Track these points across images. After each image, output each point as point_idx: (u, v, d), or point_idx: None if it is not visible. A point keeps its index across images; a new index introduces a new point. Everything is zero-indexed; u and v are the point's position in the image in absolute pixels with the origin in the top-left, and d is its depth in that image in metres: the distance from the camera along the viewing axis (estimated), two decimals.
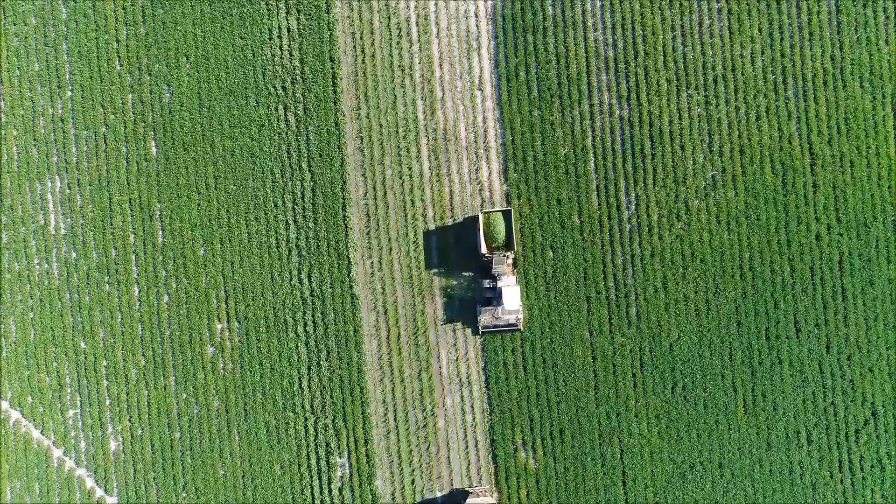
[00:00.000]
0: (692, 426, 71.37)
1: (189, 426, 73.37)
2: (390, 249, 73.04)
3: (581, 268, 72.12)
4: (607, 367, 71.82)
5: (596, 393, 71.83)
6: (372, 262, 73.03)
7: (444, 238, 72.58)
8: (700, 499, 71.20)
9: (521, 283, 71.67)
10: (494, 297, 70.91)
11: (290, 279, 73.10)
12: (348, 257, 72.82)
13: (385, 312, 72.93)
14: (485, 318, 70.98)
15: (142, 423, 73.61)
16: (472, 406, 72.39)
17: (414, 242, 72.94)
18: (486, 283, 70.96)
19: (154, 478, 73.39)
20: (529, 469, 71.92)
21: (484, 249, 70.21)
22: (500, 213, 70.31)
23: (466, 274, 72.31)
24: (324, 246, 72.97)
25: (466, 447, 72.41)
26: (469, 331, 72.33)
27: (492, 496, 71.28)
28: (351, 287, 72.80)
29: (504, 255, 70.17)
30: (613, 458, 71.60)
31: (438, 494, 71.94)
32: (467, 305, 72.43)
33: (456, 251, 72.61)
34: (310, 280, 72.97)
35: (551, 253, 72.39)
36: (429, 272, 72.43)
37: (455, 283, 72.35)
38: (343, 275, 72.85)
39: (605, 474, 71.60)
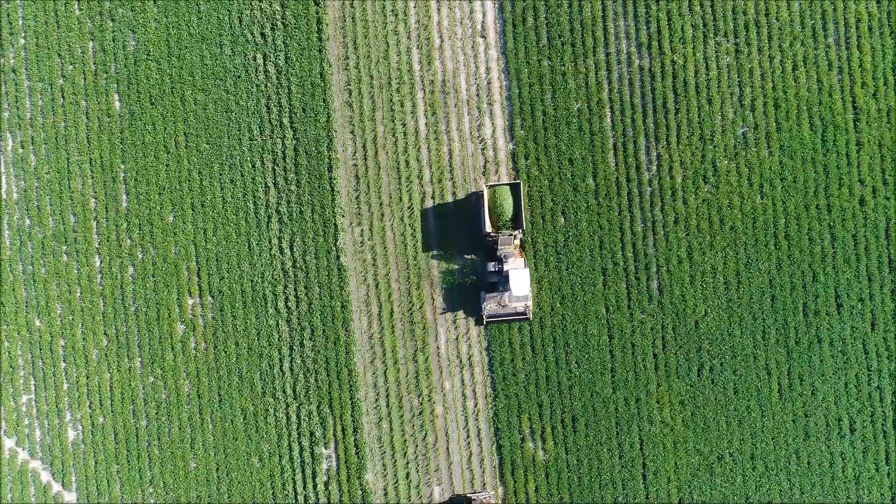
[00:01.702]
0: (720, 413, 63.74)
1: (157, 413, 65.55)
2: (382, 215, 65.18)
3: (596, 236, 64.33)
4: (625, 348, 64.09)
5: (612, 376, 64.11)
6: (362, 230, 65.19)
7: (444, 215, 64.68)
8: (729, 494, 63.54)
9: (529, 261, 63.84)
10: (500, 282, 63.11)
11: (270, 249, 65.24)
12: (335, 224, 64.97)
13: (376, 286, 65.10)
14: (489, 307, 63.20)
15: (104, 410, 65.74)
16: (473, 391, 64.64)
17: (409, 208, 65.07)
18: (491, 267, 63.15)
19: (117, 471, 65.56)
20: (538, 461, 64.22)
21: (489, 228, 62.30)
22: (507, 188, 62.40)
23: (468, 257, 64.49)
24: (308, 211, 65.10)
25: (468, 437, 64.69)
26: (471, 301, 64.59)
27: (496, 502, 63.54)
28: (338, 257, 64.97)
29: (511, 235, 62.26)
30: (632, 449, 63.94)
31: (437, 500, 64.19)
32: (469, 292, 64.53)
33: (456, 231, 64.74)
34: (292, 249, 65.12)
35: (562, 219, 64.59)
36: (426, 254, 64.58)
37: (455, 267, 64.49)
38: (329, 244, 65.00)
39: (622, 467, 63.94)
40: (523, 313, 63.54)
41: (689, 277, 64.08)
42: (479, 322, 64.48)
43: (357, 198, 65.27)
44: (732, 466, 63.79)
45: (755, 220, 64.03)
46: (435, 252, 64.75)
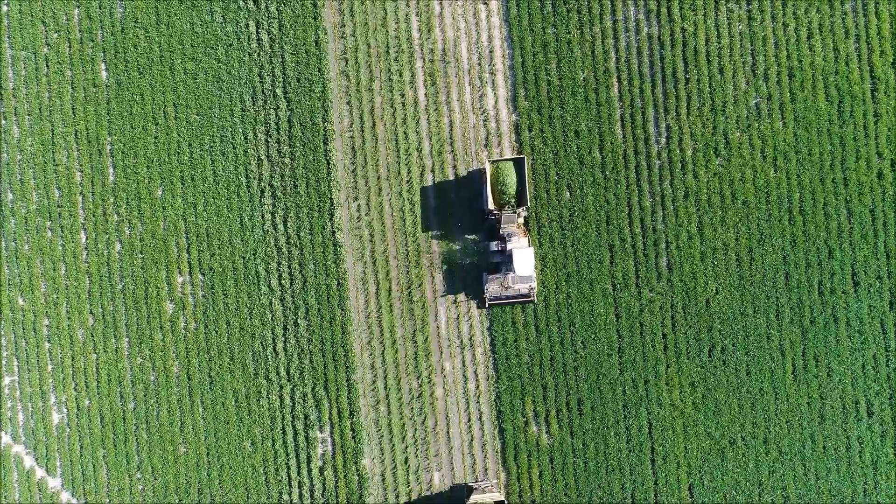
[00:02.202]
0: (732, 395, 61.11)
1: (145, 396, 62.90)
2: (380, 190, 62.52)
3: (603, 211, 61.70)
4: (633, 327, 61.45)
5: (620, 357, 61.48)
6: (358, 205, 62.54)
7: (444, 191, 62.03)
8: (741, 479, 60.93)
9: (533, 239, 61.20)
10: (503, 263, 60.45)
11: (263, 224, 62.59)
12: (331, 199, 62.31)
13: (374, 263, 62.44)
14: (492, 288, 60.53)
15: (89, 393, 63.09)
16: (475, 372, 62.02)
17: (408, 182, 62.41)
18: (494, 246, 60.50)
19: (104, 456, 62.92)
20: (542, 446, 61.60)
21: (491, 205, 59.57)
22: (510, 163, 59.67)
23: (470, 237, 61.85)
24: (302, 185, 62.45)
25: (469, 420, 62.06)
26: (472, 283, 61.95)
27: (500, 492, 60.89)
28: (334, 233, 62.33)
29: (515, 212, 59.57)
30: (640, 432, 61.31)
31: (437, 486, 61.54)
32: (471, 273, 61.93)
33: (457, 208, 62.13)
34: (286, 225, 62.47)
35: (568, 194, 61.94)
36: (426, 234, 61.93)
37: (456, 247, 61.85)
38: (324, 219, 62.36)
39: (630, 452, 61.31)
40: (527, 295, 60.92)
41: (699, 254, 61.43)
42: (481, 305, 61.85)
43: (353, 171, 62.61)
44: (745, 451, 61.15)
45: (768, 194, 61.39)
46: (435, 231, 62.08)
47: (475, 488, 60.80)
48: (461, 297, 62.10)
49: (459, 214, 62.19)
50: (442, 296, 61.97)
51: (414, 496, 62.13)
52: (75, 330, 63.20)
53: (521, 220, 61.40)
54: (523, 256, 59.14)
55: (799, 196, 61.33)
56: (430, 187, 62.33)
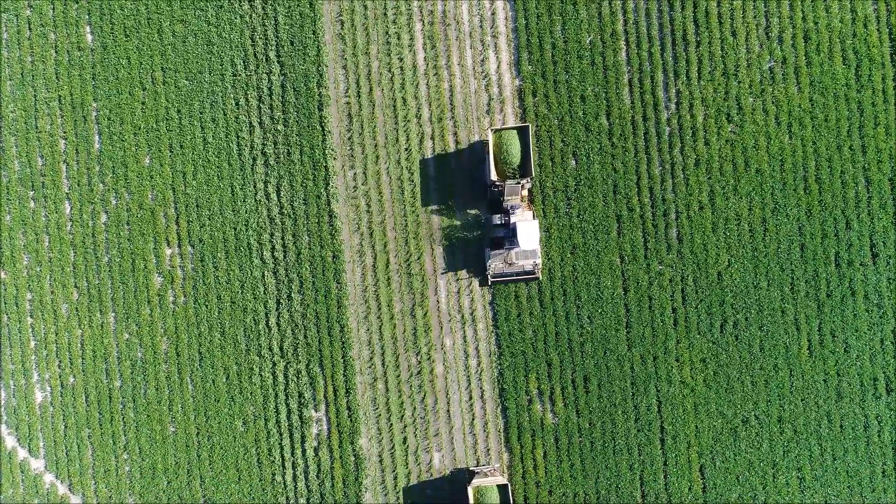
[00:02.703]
0: (745, 372, 58.54)
1: (132, 373, 60.28)
2: (377, 158, 59.87)
3: (610, 180, 59.09)
4: (642, 301, 58.85)
5: (628, 332, 58.88)
6: (355, 174, 59.90)
7: (444, 161, 59.45)
8: (755, 460, 58.36)
9: (538, 211, 58.58)
10: (507, 237, 57.81)
11: (255, 194, 59.95)
12: (326, 167, 59.67)
13: (371, 234, 59.80)
14: (495, 265, 57.89)
15: (74, 370, 60.45)
16: (476, 348, 59.41)
17: (406, 150, 59.75)
18: (497, 219, 57.84)
19: (89, 436, 60.27)
20: (546, 425, 59.00)
21: (494, 176, 56.85)
22: (514, 132, 56.94)
23: (471, 212, 59.25)
24: (296, 153, 59.80)
25: (470, 398, 59.45)
26: (473, 259, 59.34)
27: (502, 474, 58.27)
28: (329, 203, 59.69)
29: (519, 183, 56.87)
30: (649, 411, 58.74)
31: (437, 467, 58.93)
32: (472, 248, 59.37)
33: (458, 180, 59.57)
34: (279, 195, 59.82)
35: (573, 162, 59.30)
36: (426, 209, 59.31)
37: (457, 222, 59.24)
38: (319, 188, 59.71)
39: (639, 431, 58.73)
40: (532, 272, 58.29)
41: (711, 225, 58.82)
42: (483, 282, 59.18)
43: (350, 139, 59.94)
44: (758, 430, 58.58)
45: (783, 162, 58.78)
46: (434, 205, 59.39)
47: (477, 472, 58.23)
48: (463, 273, 59.44)
49: (460, 186, 59.57)
50: (443, 273, 59.32)
51: (413, 477, 59.51)
52: (59, 304, 60.53)
53: (524, 193, 58.78)
54: (528, 230, 56.49)
55: (815, 164, 58.73)
56: (430, 158, 59.65)
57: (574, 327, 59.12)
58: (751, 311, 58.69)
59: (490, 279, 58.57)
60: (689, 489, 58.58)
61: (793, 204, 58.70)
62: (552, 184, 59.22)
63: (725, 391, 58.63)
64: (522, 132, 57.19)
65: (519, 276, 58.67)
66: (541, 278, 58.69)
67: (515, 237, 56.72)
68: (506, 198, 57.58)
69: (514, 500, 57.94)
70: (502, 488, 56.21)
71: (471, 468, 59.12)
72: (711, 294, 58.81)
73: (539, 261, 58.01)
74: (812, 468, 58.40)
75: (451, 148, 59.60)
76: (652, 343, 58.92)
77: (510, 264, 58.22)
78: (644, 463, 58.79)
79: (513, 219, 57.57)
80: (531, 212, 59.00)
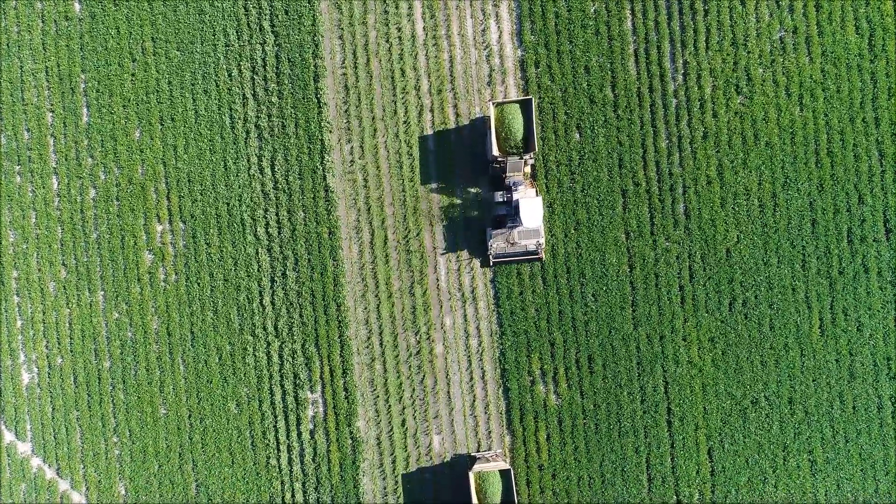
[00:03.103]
0: (755, 352, 56.71)
1: (121, 353, 58.40)
2: (374, 131, 57.95)
3: (615, 153, 57.22)
4: (648, 279, 57.00)
5: (633, 311, 57.03)
6: (352, 148, 58.00)
7: (444, 137, 57.54)
8: (764, 442, 56.53)
9: (541, 186, 56.71)
10: (509, 215, 55.91)
11: (249, 168, 58.05)
12: (321, 141, 57.76)
13: (368, 210, 57.91)
14: (496, 245, 56.00)
15: (62, 350, 58.58)
16: (477, 328, 57.55)
17: (405, 123, 57.85)
18: (499, 197, 55.90)
19: (77, 418, 58.41)
20: (550, 406, 57.17)
21: (496, 152, 54.90)
22: (516, 105, 55.00)
23: (472, 190, 57.40)
24: (291, 126, 57.90)
25: (471, 379, 57.59)
26: (474, 239, 57.49)
27: (504, 460, 56.44)
28: (325, 178, 57.81)
29: (521, 159, 54.93)
30: (656, 392, 56.90)
31: (437, 450, 57.08)
32: (473, 228, 57.58)
33: (458, 156, 57.69)
34: (273, 169, 57.93)
35: (577, 135, 57.42)
36: (425, 187, 57.47)
37: (457, 201, 57.39)
38: (315, 163, 57.82)
39: (644, 412, 56.91)
40: (535, 252, 56.39)
41: (719, 200, 56.96)
42: (485, 263, 57.30)
43: (346, 111, 58.03)
44: (768, 411, 56.75)
45: (794, 134, 56.91)
46: (434, 183, 57.48)
47: (478, 458, 56.38)
48: (463, 253, 57.55)
49: (461, 161, 57.65)
50: (442, 253, 57.44)
51: (412, 461, 57.66)
52: (46, 283, 58.65)
53: (527, 170, 56.90)
54: (531, 206, 54.55)
55: (826, 137, 56.86)
56: (430, 132, 57.72)
57: (578, 306, 57.26)
58: (760, 288, 56.85)
59: (491, 260, 56.70)
60: (697, 472, 56.76)
61: (804, 178, 56.85)
62: (555, 158, 57.34)
63: (734, 371, 56.80)
64: (525, 105, 55.25)
65: (521, 256, 56.77)
66: (544, 258, 56.80)
67: (518, 215, 54.82)
68: (508, 174, 55.69)
69: (516, 484, 56.07)
70: (505, 473, 54.38)
71: (472, 453, 57.28)
72: (720, 271, 56.96)
73: (542, 240, 56.14)
74: (824, 451, 56.57)
75: (451, 121, 57.72)
76: (658, 322, 57.07)
77: (512, 244, 56.36)
78: (650, 446, 56.96)
79: (515, 196, 55.69)
80: (534, 189, 57.12)
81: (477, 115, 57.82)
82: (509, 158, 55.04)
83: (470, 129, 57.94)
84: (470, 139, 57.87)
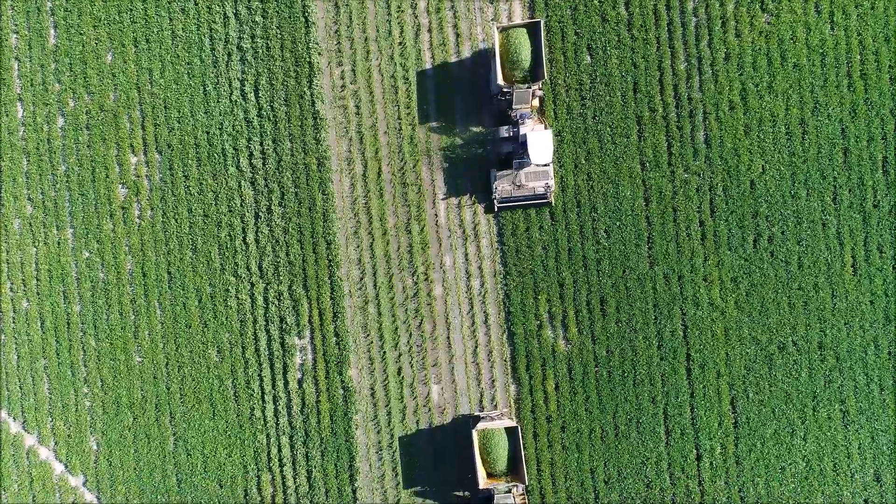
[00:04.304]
0: (781, 293, 52.18)
1: (92, 296, 53.76)
2: (367, 53, 53.26)
3: (629, 76, 52.58)
4: (665, 213, 52.39)
5: (650, 248, 52.43)
6: (342, 72, 53.30)
7: (443, 66, 52.91)
8: (793, 391, 51.97)
9: (548, 111, 52.09)
10: (515, 152, 51.18)
11: (230, 93, 53.37)
12: (309, 63, 53.07)
13: (360, 140, 53.24)
14: (502, 187, 51.25)
15: (28, 293, 53.95)
16: (479, 267, 52.93)
17: (400, 44, 53.14)
18: (504, 132, 51.17)
19: (45, 367, 53.79)
20: (558, 353, 52.56)
21: (501, 80, 50.08)
22: (523, 30, 50.21)
23: (475, 129, 52.75)
24: (276, 48, 53.19)
25: (473, 324, 52.95)
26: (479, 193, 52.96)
27: (511, 418, 51.82)
28: (313, 104, 53.12)
29: (529, 88, 50.13)
30: (674, 337, 52.32)
31: (436, 401, 52.50)
32: (476, 168, 52.99)
33: (459, 86, 53.13)
34: (257, 95, 53.24)
35: (588, 57, 52.75)
36: (424, 126, 52.85)
37: (458, 140, 52.79)
38: (303, 88, 53.13)
39: (662, 359, 52.33)
40: (543, 196, 51.65)
41: (742, 127, 52.32)
42: (489, 209, 52.59)
43: (336, 31, 53.30)
44: (797, 358, 52.15)
45: (824, 55, 52.26)
46: (433, 123, 52.80)
47: (483, 417, 51.78)
48: (464, 180, 52.89)
49: (461, 93, 52.95)
50: (444, 199, 52.74)
51: (409, 412, 53.04)
52: (11, 220, 53.97)
53: (535, 102, 52.15)
54: (540, 140, 49.83)
55: (860, 58, 52.23)
56: (427, 54, 53.03)
57: (589, 243, 52.59)
58: (787, 223, 52.21)
59: (496, 204, 51.96)
60: (719, 424, 52.19)
61: (835, 103, 52.21)
62: (565, 81, 52.66)
63: (759, 314, 52.17)
64: (533, 30, 50.47)
65: (529, 200, 52.04)
66: (553, 203, 52.13)
67: (526, 150, 50.12)
68: (514, 106, 50.98)
69: (523, 441, 51.29)
70: (511, 432, 49.77)
71: (476, 413, 52.67)
72: (743, 205, 52.31)
73: (552, 182, 51.45)
74: (857, 400, 52.01)
75: (451, 42, 52.98)
76: (677, 260, 52.43)
77: (519, 186, 51.64)
78: (668, 395, 52.35)
79: (522, 130, 50.95)
80: (542, 124, 52.43)
81: (480, 47, 53.08)
82: (515, 89, 50.29)
83: (471, 62, 53.21)
84: (472, 65, 53.12)
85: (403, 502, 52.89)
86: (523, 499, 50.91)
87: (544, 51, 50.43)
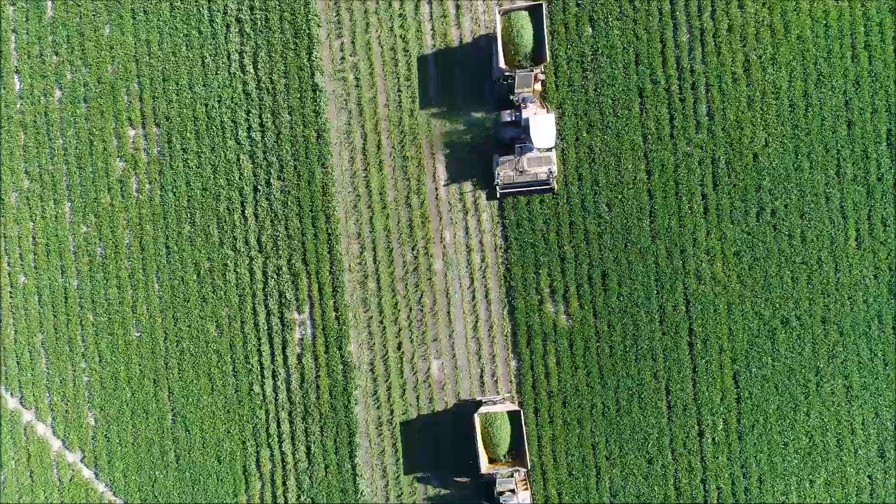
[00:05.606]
0: (785, 267, 51.73)
1: (90, 271, 53.39)
2: (367, 25, 52.83)
3: (631, 47, 52.12)
4: (667, 186, 51.99)
5: (652, 222, 52.01)
6: (342, 43, 52.86)
7: (444, 51, 52.48)
8: (796, 366, 51.57)
9: (549, 84, 51.63)
10: (517, 137, 50.60)
11: (229, 66, 52.93)
12: (309, 34, 52.62)
13: (360, 112, 52.80)
14: (504, 173, 50.73)
15: (25, 268, 53.57)
16: (480, 241, 52.52)
17: (400, 16, 52.69)
18: (507, 116, 50.62)
19: (42, 342, 53.45)
20: (560, 327, 52.15)
21: (502, 63, 49.56)
22: (525, 13, 49.70)
23: (477, 115, 52.27)
24: (275, 18, 52.75)
25: (473, 298, 52.56)
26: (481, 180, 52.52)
27: (513, 401, 51.37)
28: (313, 76, 52.67)
29: (531, 71, 49.59)
30: (676, 311, 51.93)
31: (436, 377, 52.13)
32: (476, 152, 52.57)
33: (460, 72, 52.63)
34: (255, 66, 52.80)
35: (590, 28, 52.29)
36: (425, 111, 52.41)
37: (460, 126, 52.34)
38: (302, 59, 52.69)
39: (663, 334, 51.96)
40: (546, 182, 51.07)
41: (745, 99, 51.85)
42: (491, 196, 52.09)
43: (336, 2, 52.87)
44: (800, 332, 51.71)
45: (828, 26, 51.77)
46: (434, 110, 52.33)
47: (485, 402, 51.35)
48: (465, 153, 52.46)
49: (462, 77, 52.46)
50: (445, 185, 52.27)
51: (409, 388, 52.66)
52: (7, 193, 53.60)
53: (538, 87, 51.62)
54: (543, 124, 49.27)
55: (864, 28, 51.74)
56: (428, 32, 52.59)
57: (591, 217, 52.17)
58: (791, 196, 51.75)
59: (499, 191, 51.37)
60: (722, 399, 51.78)
61: (839, 74, 51.72)
62: (566, 53, 52.19)
63: (762, 288, 51.74)
64: (535, 13, 49.90)
65: (531, 187, 51.50)
66: (557, 189, 51.66)
67: (528, 133, 49.57)
68: (516, 89, 50.43)
69: (524, 418, 50.75)
70: (513, 415, 49.33)
71: (478, 398, 52.21)
72: (746, 178, 51.86)
73: (555, 168, 50.92)
74: (861, 375, 51.58)
75: (451, 13, 52.49)
76: (679, 234, 51.99)
77: (521, 172, 51.09)
78: (670, 370, 51.93)
79: (525, 113, 50.38)
80: (545, 108, 51.91)
81: (480, 21, 52.57)
82: (518, 72, 49.73)
83: (472, 48, 52.69)
84: (473, 50, 52.65)
85: (403, 478, 52.53)
86: (525, 482, 50.55)
87: (546, 35, 49.92)
